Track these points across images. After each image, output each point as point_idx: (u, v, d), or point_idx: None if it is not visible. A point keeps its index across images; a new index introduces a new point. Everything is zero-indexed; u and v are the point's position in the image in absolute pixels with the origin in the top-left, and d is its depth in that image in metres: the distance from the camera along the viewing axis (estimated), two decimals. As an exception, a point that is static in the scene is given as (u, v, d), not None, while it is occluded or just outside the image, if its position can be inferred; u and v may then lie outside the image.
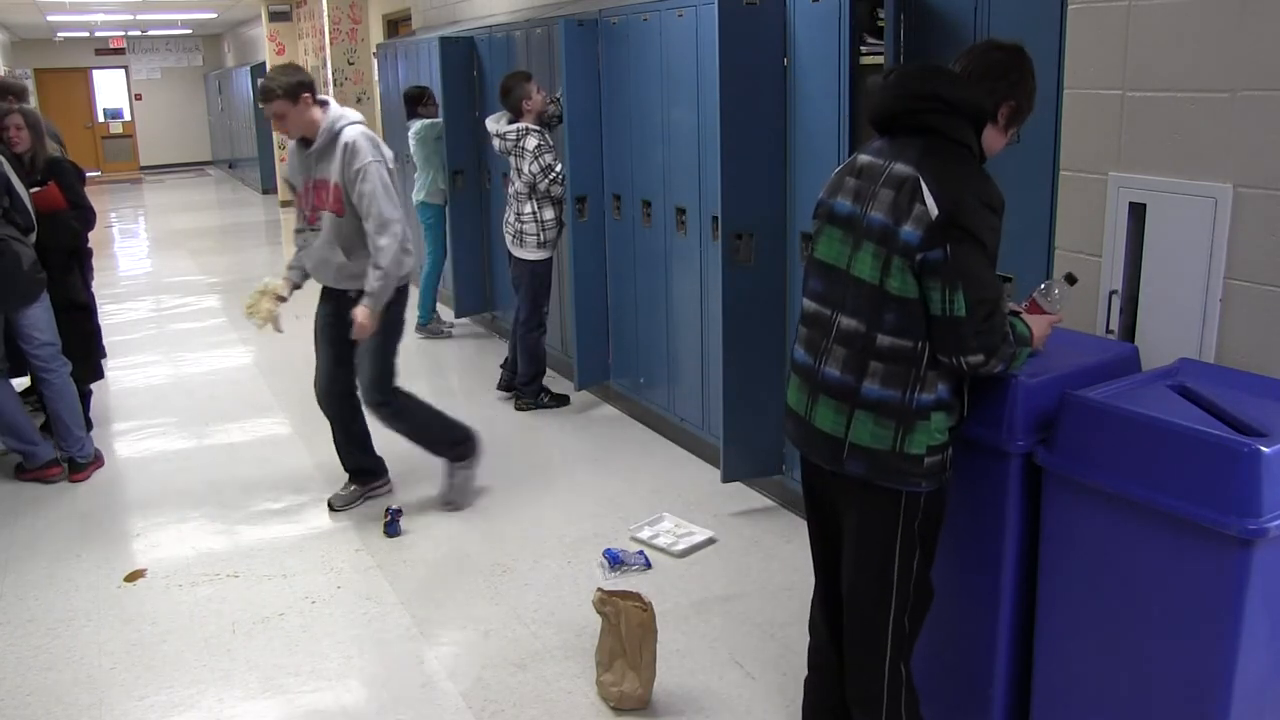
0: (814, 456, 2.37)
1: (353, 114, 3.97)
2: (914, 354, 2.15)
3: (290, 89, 3.80)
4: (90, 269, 5.20)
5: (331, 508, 4.29)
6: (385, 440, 4.39)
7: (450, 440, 4.29)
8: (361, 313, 3.83)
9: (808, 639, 2.66)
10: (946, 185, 2.10)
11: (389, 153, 3.96)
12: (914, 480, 2.21)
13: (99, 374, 5.33)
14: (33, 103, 6.02)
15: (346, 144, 3.81)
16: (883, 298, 2.16)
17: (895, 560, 2.28)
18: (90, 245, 5.17)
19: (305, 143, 3.93)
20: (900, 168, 2.17)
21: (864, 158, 2.29)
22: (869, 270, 2.18)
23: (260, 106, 4.00)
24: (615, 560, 3.70)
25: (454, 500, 4.30)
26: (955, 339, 2.12)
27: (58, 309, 4.64)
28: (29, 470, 4.68)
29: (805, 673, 2.79)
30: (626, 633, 2.86)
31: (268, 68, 13.98)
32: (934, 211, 2.09)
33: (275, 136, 14.43)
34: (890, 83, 2.25)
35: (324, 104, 3.93)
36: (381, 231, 3.79)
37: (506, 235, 5.46)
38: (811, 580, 3.49)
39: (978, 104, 2.21)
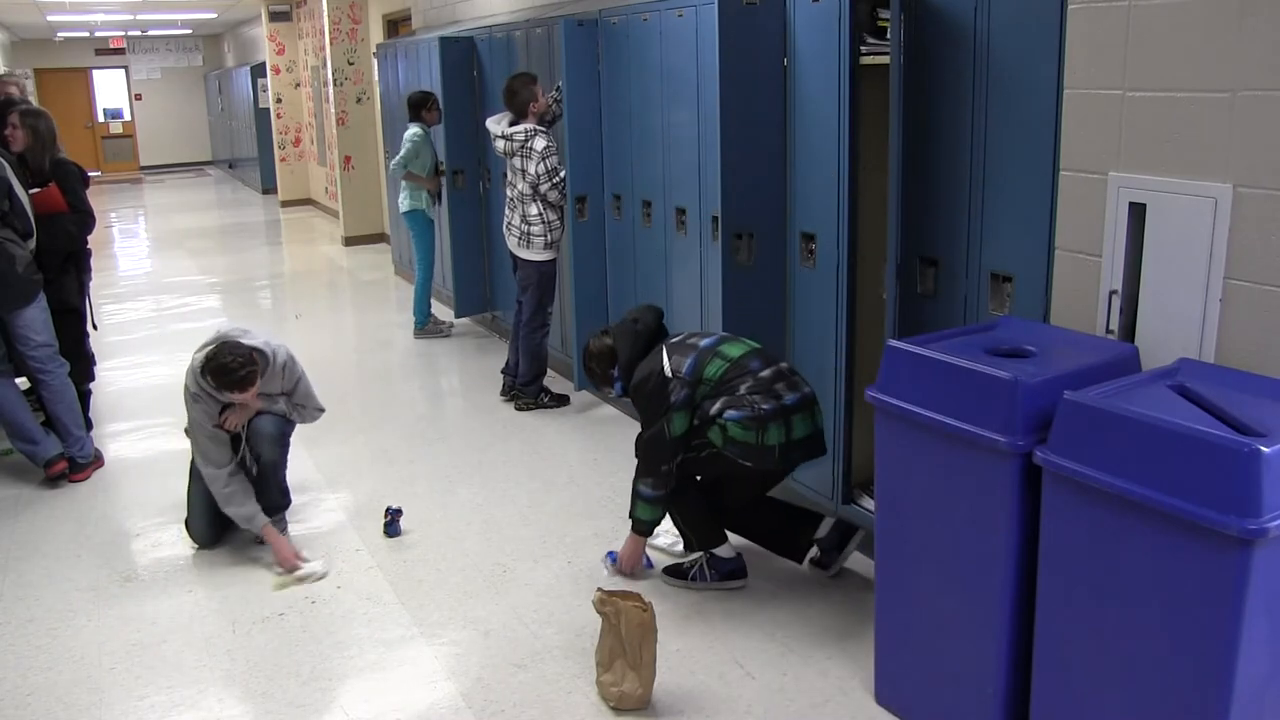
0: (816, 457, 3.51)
1: (258, 335, 3.90)
2: None
3: (252, 364, 3.70)
4: (89, 270, 5.19)
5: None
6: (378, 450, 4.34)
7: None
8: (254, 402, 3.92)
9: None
10: None
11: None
12: None
13: (91, 375, 5.33)
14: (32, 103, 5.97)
15: (284, 364, 3.93)
16: None
17: None
18: (89, 248, 5.16)
19: None
20: None
21: None
22: None
23: (224, 396, 3.74)
24: (617, 561, 3.70)
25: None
26: None
27: (50, 311, 4.64)
28: (48, 467, 4.66)
29: (803, 666, 3.07)
30: (626, 633, 2.85)
31: (268, 68, 14.02)
32: None
33: (275, 136, 14.44)
34: None
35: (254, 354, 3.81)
36: (314, 417, 4.16)
37: (510, 238, 5.45)
38: (807, 579, 3.54)
39: None
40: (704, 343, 3.50)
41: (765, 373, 3.42)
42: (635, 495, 3.52)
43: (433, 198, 7.00)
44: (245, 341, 3.82)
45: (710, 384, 3.41)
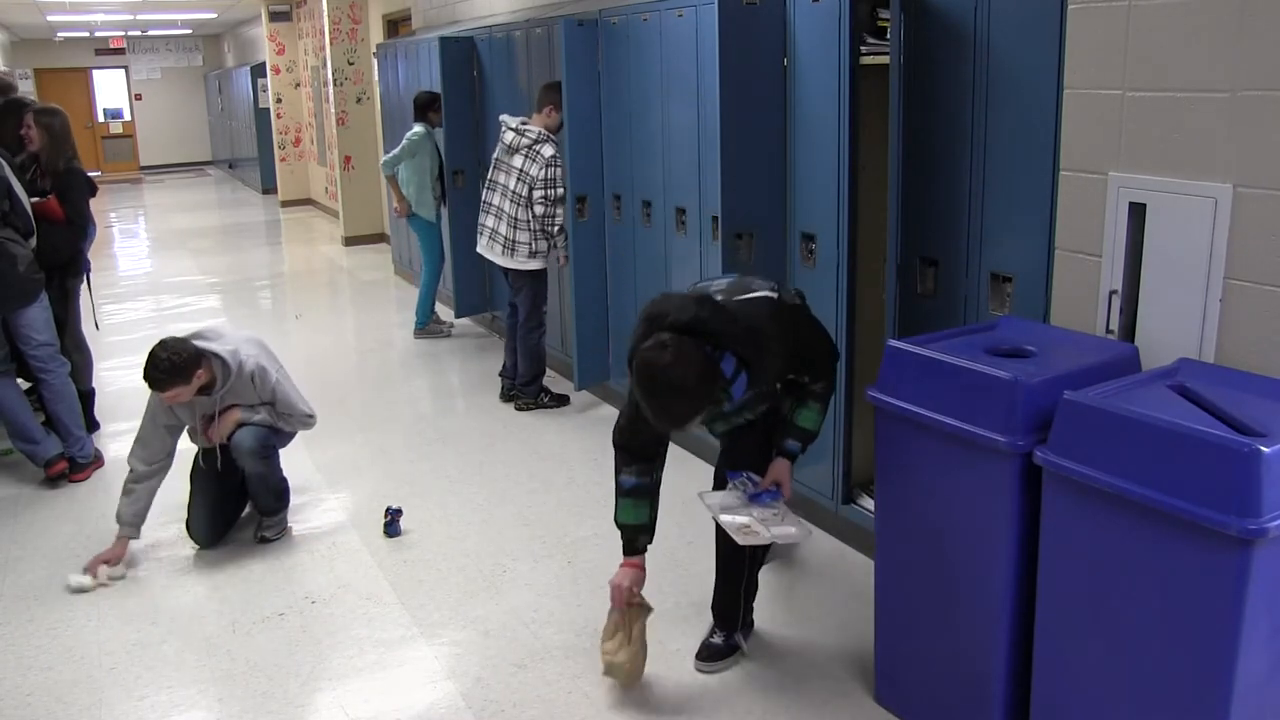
0: None
1: (232, 342, 3.88)
2: None
3: (181, 369, 3.64)
4: (86, 271, 5.18)
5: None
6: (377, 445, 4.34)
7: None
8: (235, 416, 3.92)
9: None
10: None
11: (273, 352, 4.08)
12: None
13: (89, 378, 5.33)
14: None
15: (252, 372, 3.88)
16: None
17: None
18: (88, 262, 5.15)
19: (204, 389, 3.83)
20: None
21: None
22: None
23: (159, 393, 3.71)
24: (777, 498, 2.95)
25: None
26: None
27: None
28: (49, 467, 4.66)
29: (803, 666, 3.07)
30: (627, 612, 2.95)
31: (268, 68, 14.03)
32: None
33: (275, 136, 14.45)
34: None
35: (209, 358, 3.77)
36: (305, 424, 4.10)
37: (494, 246, 5.36)
38: (807, 577, 3.54)
39: None
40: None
41: None
42: (823, 406, 2.95)
43: (438, 202, 6.99)
44: (210, 346, 3.77)
45: None
